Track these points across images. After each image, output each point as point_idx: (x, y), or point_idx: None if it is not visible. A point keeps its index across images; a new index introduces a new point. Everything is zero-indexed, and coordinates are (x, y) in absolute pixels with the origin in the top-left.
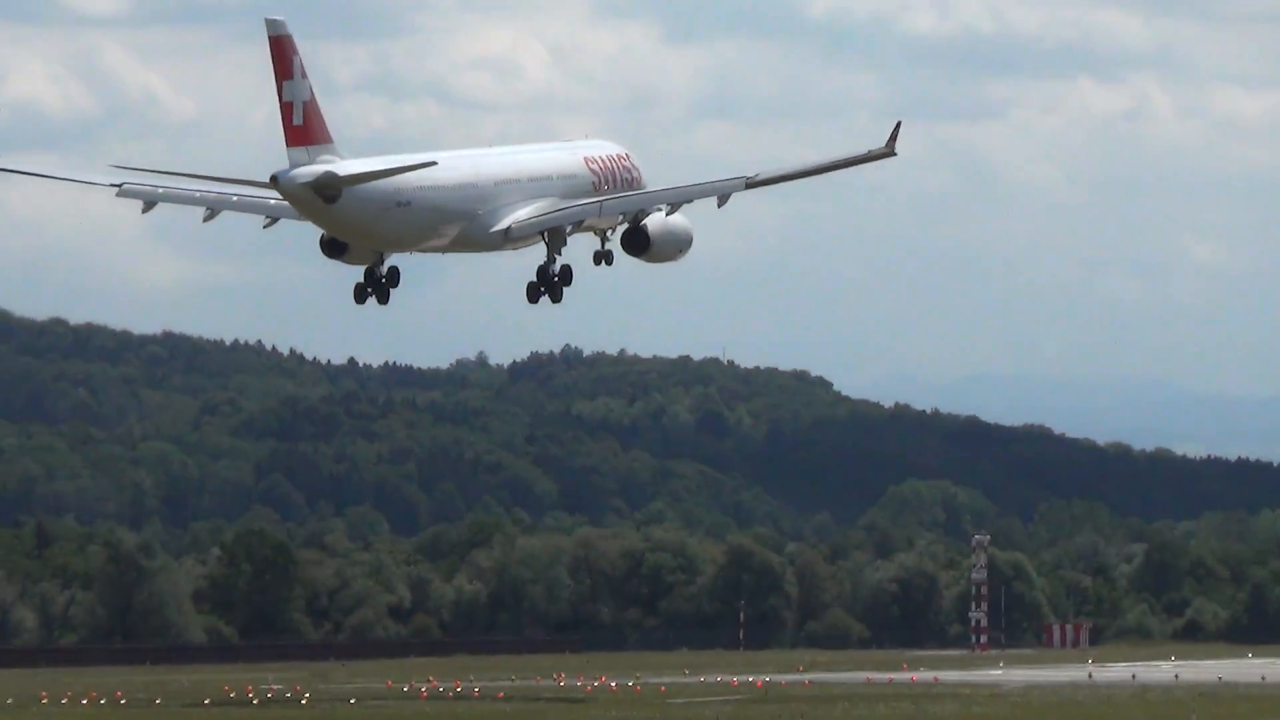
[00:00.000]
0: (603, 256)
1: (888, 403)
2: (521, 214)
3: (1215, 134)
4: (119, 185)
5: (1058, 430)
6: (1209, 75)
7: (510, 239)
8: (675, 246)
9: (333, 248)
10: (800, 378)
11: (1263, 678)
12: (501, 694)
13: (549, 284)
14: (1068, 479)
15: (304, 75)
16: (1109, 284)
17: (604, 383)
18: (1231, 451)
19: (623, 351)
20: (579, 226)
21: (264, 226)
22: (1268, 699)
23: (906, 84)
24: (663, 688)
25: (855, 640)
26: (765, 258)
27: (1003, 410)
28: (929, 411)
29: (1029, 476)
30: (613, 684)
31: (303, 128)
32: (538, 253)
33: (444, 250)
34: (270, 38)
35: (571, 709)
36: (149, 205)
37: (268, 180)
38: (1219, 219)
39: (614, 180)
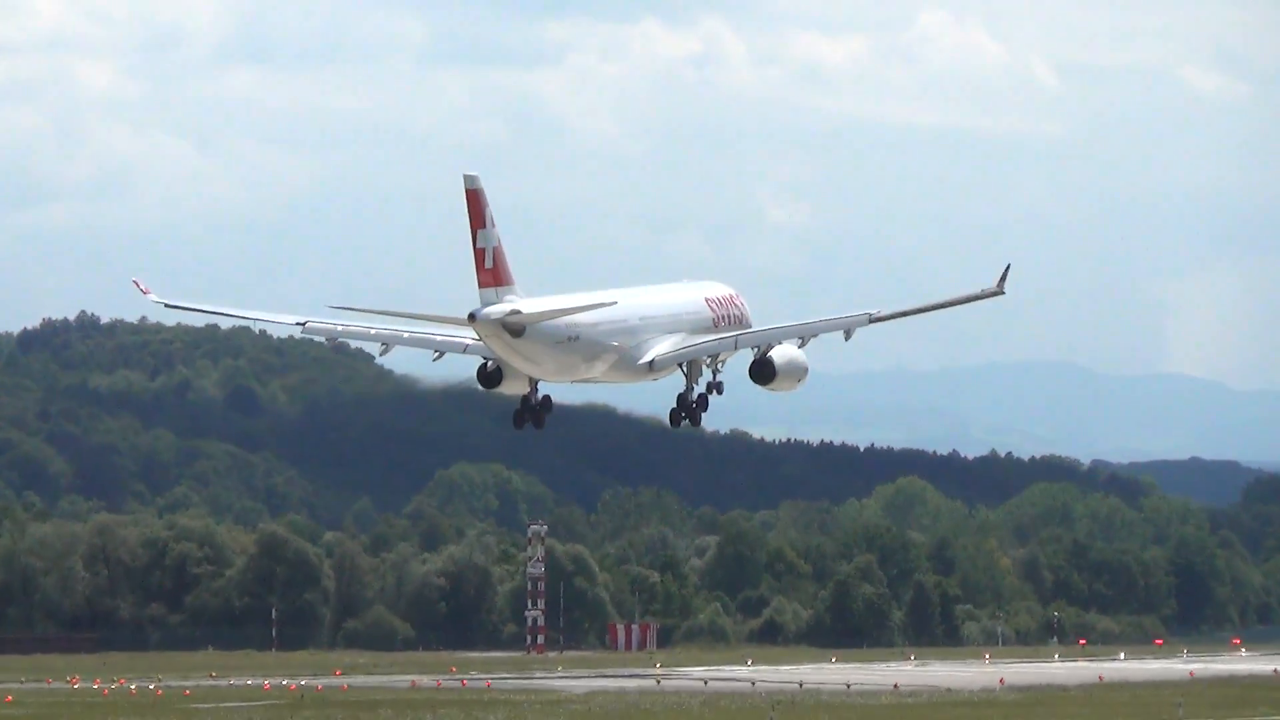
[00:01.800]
0: (714, 386)
1: (435, 379)
2: (663, 348)
3: (794, 83)
4: (303, 323)
5: (622, 410)
6: (786, 19)
7: (653, 370)
8: (795, 377)
9: (489, 380)
10: (339, 350)
11: (847, 685)
12: (10, 698)
13: (688, 409)
14: (634, 464)
15: (493, 224)
16: (678, 246)
17: (124, 353)
18: (814, 435)
19: (144, 319)
20: (714, 358)
21: (433, 359)
22: (852, 707)
23: (453, 26)
24: (187, 691)
25: (399, 641)
26: (289, 216)
27: (562, 387)
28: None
29: (591, 461)
30: (132, 687)
31: (493, 270)
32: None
33: (596, 381)
34: (467, 190)
35: (87, 714)
36: (331, 341)
37: (465, 318)
38: (798, 175)
39: (728, 317)
